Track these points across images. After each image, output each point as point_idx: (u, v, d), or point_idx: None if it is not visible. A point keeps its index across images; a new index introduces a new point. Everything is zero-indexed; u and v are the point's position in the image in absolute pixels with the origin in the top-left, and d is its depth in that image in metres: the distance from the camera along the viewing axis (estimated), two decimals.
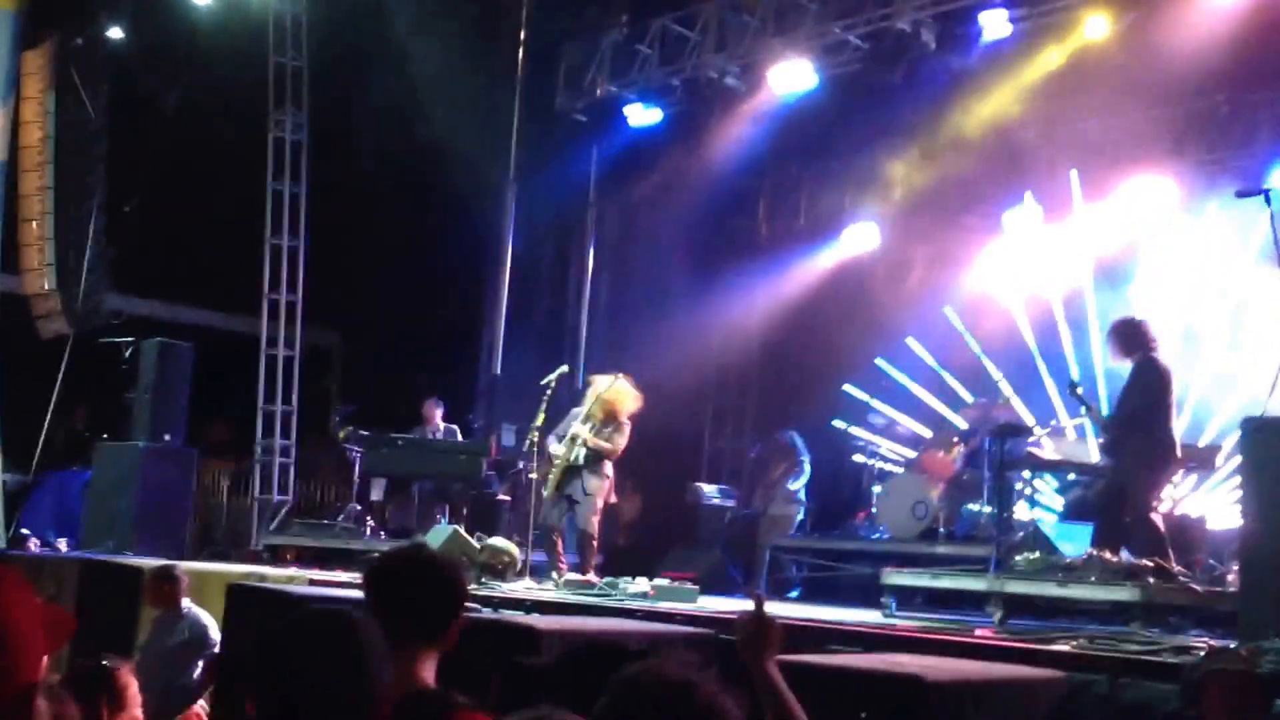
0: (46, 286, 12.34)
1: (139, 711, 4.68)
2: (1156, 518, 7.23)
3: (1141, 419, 7.19)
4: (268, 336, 12.38)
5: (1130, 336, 7.42)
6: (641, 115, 12.70)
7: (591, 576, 8.44)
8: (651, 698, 1.76)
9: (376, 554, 8.59)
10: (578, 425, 8.83)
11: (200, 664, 6.98)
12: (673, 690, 1.76)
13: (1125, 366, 7.43)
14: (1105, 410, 8.10)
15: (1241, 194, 7.15)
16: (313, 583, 8.63)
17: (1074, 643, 5.54)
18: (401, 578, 2.84)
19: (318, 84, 12.40)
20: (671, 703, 1.74)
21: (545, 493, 8.96)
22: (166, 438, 10.85)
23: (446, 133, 12.81)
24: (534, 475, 9.17)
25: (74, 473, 12.06)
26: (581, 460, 8.80)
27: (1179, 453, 7.39)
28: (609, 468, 8.95)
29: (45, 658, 1.55)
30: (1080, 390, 7.78)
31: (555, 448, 8.95)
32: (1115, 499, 7.33)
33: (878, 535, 10.15)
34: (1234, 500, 8.96)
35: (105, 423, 12.35)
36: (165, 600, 7.21)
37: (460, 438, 11.43)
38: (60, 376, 12.00)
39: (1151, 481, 7.25)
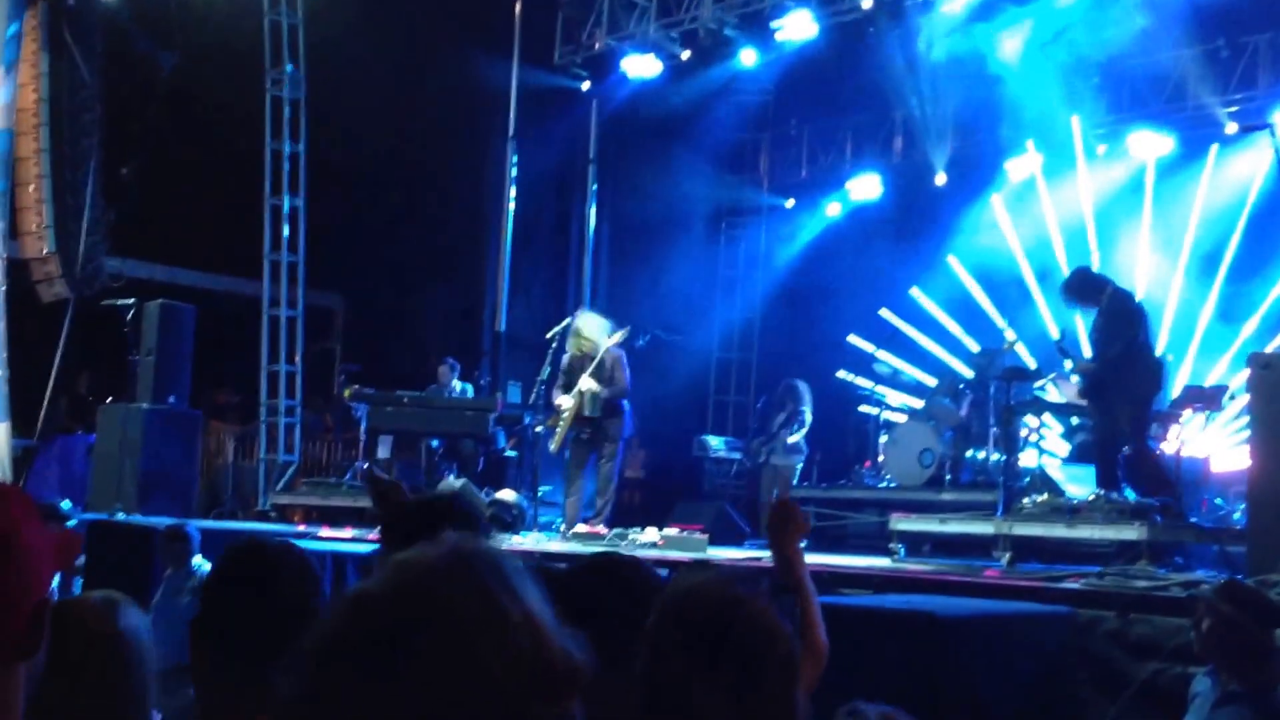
0: (45, 250, 12.25)
1: None
2: (1158, 450, 7.21)
3: (1125, 353, 7.15)
4: (269, 297, 12.34)
5: (1086, 284, 7.46)
6: (641, 68, 12.60)
7: (600, 528, 8.48)
8: (704, 610, 1.76)
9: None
10: (585, 379, 8.83)
11: None
12: (725, 603, 1.76)
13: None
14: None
15: (1245, 129, 7.12)
16: (320, 539, 8.67)
17: (1083, 580, 5.58)
18: (416, 518, 2.80)
19: (314, 41, 12.29)
20: (724, 615, 1.75)
21: (551, 446, 8.97)
22: (170, 400, 10.84)
23: (445, 89, 12.71)
24: (540, 429, 9.17)
25: (78, 436, 12.07)
26: (596, 410, 8.82)
27: (1163, 376, 7.38)
28: (624, 404, 8.99)
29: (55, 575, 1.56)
30: (1062, 345, 7.80)
31: (562, 400, 8.95)
32: (1109, 441, 7.31)
33: (884, 484, 10.17)
34: (1239, 441, 8.99)
35: (108, 386, 12.34)
36: (177, 559, 7.25)
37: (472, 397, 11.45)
38: (62, 340, 11.96)
39: (1146, 412, 7.24)
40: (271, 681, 1.84)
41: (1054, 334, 8.77)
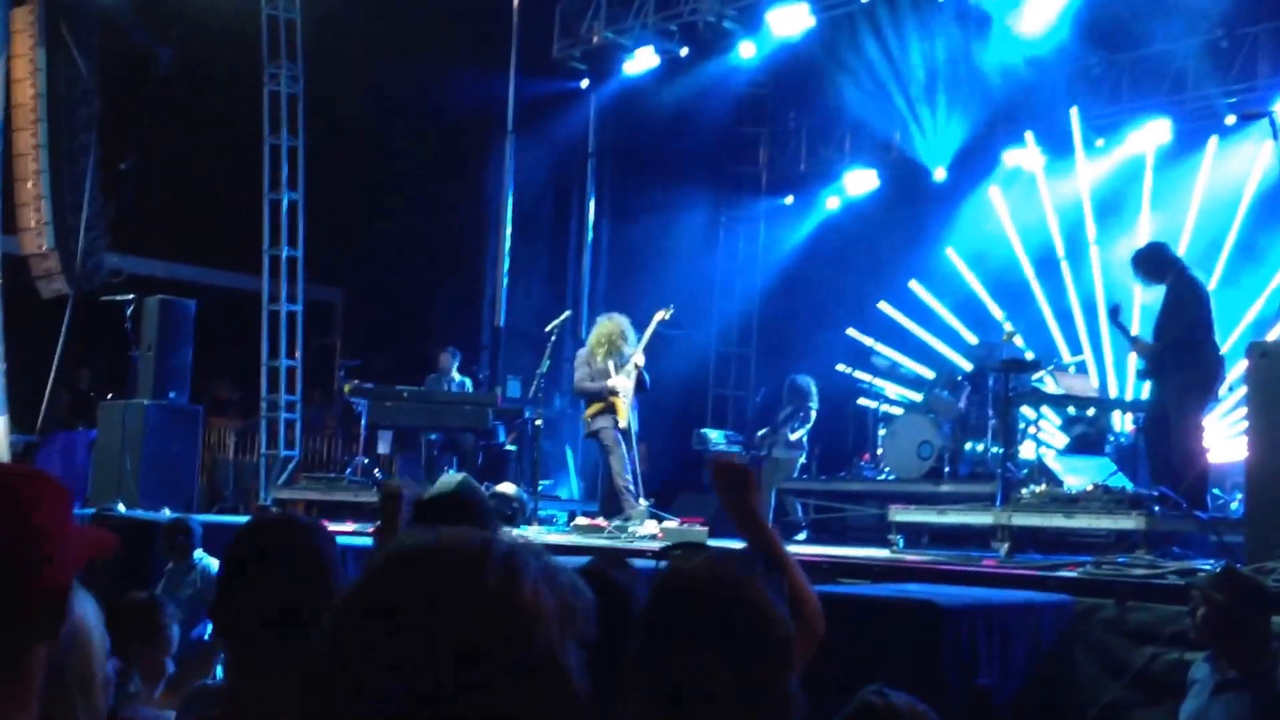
0: (44, 246, 12.23)
1: (167, 657, 4.72)
2: (1203, 448, 7.04)
3: (1187, 338, 7.03)
4: (269, 292, 12.36)
5: (1158, 259, 7.37)
6: (639, 62, 12.60)
7: (600, 520, 8.51)
8: (699, 593, 1.76)
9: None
10: (638, 355, 8.87)
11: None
12: (721, 586, 1.77)
13: (1157, 294, 7.36)
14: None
15: (1246, 117, 7.10)
16: None
17: (1081, 569, 5.60)
18: (440, 509, 2.83)
19: (312, 35, 12.29)
20: (719, 598, 1.75)
21: (621, 422, 8.90)
22: (171, 395, 10.83)
23: (443, 83, 12.71)
24: (539, 423, 9.15)
25: (80, 432, 12.07)
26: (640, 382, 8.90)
27: (1221, 367, 7.21)
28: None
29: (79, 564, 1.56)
30: (1118, 319, 7.70)
31: (615, 380, 8.91)
32: (1163, 429, 7.14)
33: (883, 476, 10.18)
34: (1237, 433, 9.00)
35: (109, 382, 12.35)
36: (179, 552, 7.28)
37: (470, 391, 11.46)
38: (62, 336, 11.97)
39: (1201, 403, 7.07)
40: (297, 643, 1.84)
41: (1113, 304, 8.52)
